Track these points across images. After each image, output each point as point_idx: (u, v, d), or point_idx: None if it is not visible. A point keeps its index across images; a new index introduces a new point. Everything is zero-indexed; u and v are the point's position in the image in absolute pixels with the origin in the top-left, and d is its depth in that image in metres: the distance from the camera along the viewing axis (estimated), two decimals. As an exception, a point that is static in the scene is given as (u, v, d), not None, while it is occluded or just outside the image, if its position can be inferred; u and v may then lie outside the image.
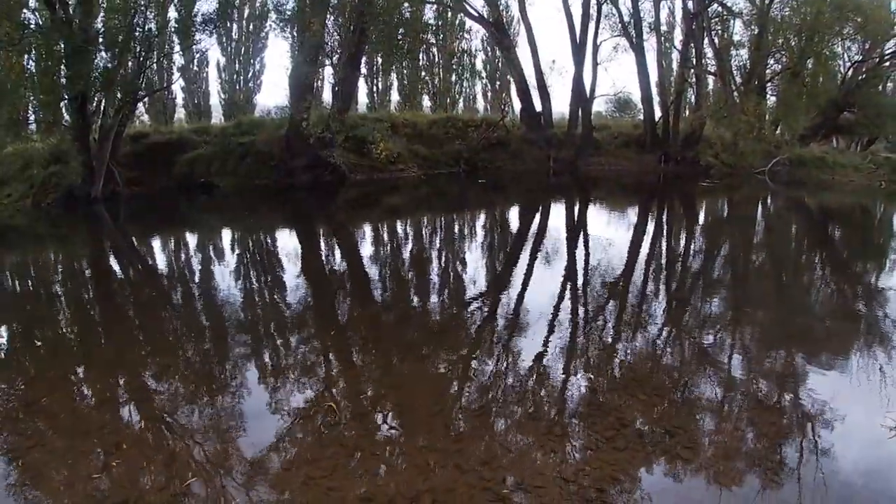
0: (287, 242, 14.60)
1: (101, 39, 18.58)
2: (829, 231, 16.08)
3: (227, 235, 15.22)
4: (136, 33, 18.95)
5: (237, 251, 13.22)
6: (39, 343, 7.56)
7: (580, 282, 9.88)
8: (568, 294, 9.12)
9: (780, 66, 29.23)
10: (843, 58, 30.25)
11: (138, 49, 19.39)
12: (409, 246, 13.60)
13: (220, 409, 5.29)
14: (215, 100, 39.01)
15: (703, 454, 4.45)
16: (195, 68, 38.22)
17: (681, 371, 6.10)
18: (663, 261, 11.69)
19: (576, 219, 17.23)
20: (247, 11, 37.51)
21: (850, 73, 29.25)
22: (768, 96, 30.04)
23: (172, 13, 22.93)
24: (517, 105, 28.99)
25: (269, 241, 14.48)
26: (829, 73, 29.98)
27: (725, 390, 5.55)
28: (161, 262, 12.57)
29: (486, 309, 8.35)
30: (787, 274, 10.99)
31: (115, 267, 12.39)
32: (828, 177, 24.98)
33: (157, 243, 14.49)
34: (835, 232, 16.01)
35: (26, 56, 19.43)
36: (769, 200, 22.06)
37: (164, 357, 6.65)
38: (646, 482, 4.11)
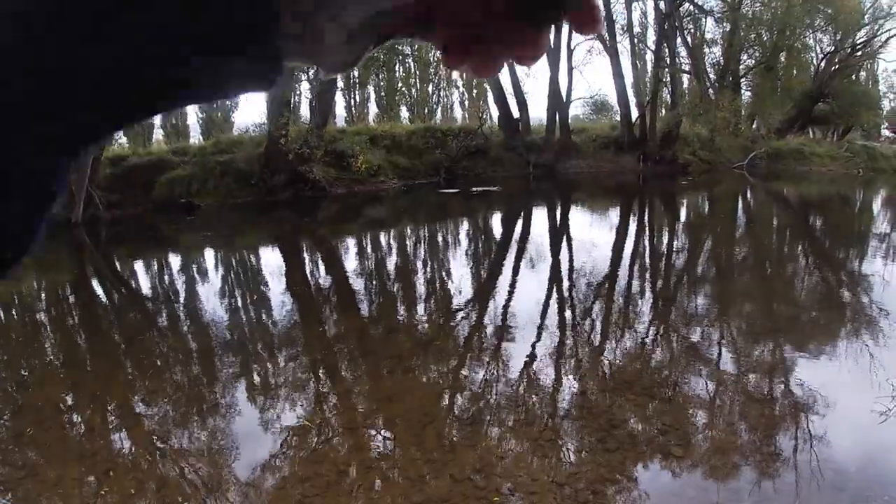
0: (271, 260, 14.55)
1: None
2: (810, 221, 16.20)
3: (209, 255, 15.15)
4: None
5: (221, 271, 13.15)
6: (25, 372, 7.50)
7: (566, 286, 9.90)
8: (554, 299, 9.15)
9: (753, 62, 29.57)
10: (815, 50, 30.67)
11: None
12: (394, 257, 13.59)
13: (210, 431, 5.26)
14: (193, 119, 38.91)
15: (695, 450, 4.47)
16: (171, 88, 38.03)
17: (669, 369, 6.13)
18: (647, 260, 11.76)
19: (558, 223, 17.29)
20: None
21: (822, 64, 29.63)
22: (743, 91, 30.37)
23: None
24: (495, 112, 29.13)
25: (252, 259, 14.42)
26: (802, 65, 30.42)
27: (715, 385, 5.58)
28: (144, 285, 12.49)
29: (473, 317, 8.35)
30: (770, 266, 11.07)
31: (99, 292, 12.31)
32: (805, 168, 25.23)
33: (139, 266, 14.40)
34: (815, 222, 16.14)
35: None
36: (748, 194, 22.22)
37: (151, 381, 6.60)
38: (639, 482, 4.12)
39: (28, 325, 10.03)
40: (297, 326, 8.67)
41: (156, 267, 14.10)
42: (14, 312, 11.08)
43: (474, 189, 22.19)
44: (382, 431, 5.10)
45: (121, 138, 31.13)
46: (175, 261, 14.86)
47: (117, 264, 14.74)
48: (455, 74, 42.00)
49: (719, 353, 6.46)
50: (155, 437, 5.17)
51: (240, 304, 10.22)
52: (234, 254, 14.72)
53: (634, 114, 27.37)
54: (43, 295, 12.44)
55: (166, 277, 13.01)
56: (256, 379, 6.58)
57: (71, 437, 5.43)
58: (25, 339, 9.10)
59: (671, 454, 4.40)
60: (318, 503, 4.05)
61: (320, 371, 6.73)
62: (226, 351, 7.52)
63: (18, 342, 8.95)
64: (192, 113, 38.76)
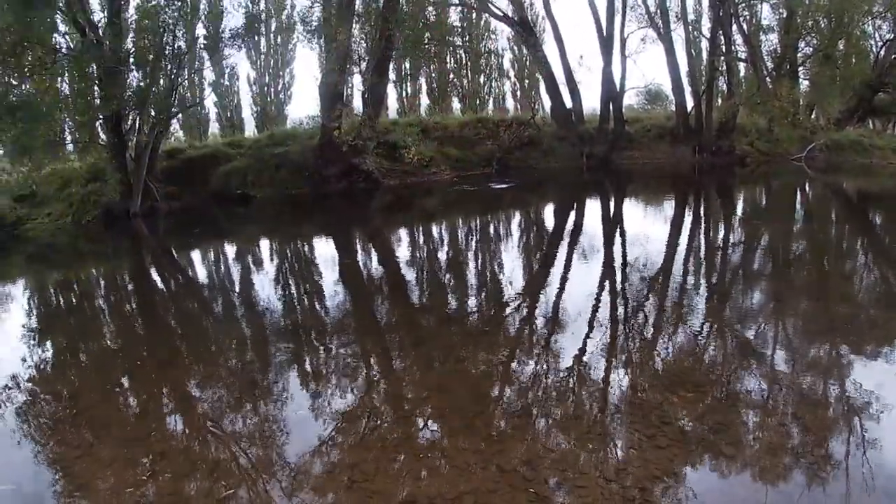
0: (325, 249, 14.71)
1: (132, 59, 18.93)
2: (870, 217, 15.78)
3: (265, 245, 15.38)
4: (167, 52, 19.28)
5: (275, 260, 13.36)
6: (84, 356, 7.73)
7: (619, 278, 9.80)
8: (607, 291, 9.06)
9: (811, 49, 28.82)
10: (874, 37, 29.70)
11: (169, 67, 19.73)
12: (446, 247, 13.63)
13: (262, 415, 5.35)
14: (247, 112, 39.58)
15: (747, 451, 4.39)
16: (226, 83, 38.80)
17: (723, 367, 6.03)
18: (701, 255, 11.57)
19: (612, 215, 17.12)
20: (274, 24, 38.02)
21: (882, 52, 28.65)
22: (801, 80, 29.63)
23: (201, 30, 23.47)
24: (547, 103, 28.96)
25: (307, 249, 14.60)
26: (861, 53, 29.51)
27: (768, 385, 5.46)
28: (201, 273, 12.76)
29: (524, 308, 8.32)
30: (828, 263, 10.80)
31: (157, 279, 12.60)
32: (867, 160, 24.51)
33: (196, 255, 14.69)
34: (875, 218, 15.71)
35: (60, 79, 19.94)
36: (807, 187, 21.67)
37: (206, 366, 6.75)
38: (689, 480, 4.07)
39: (88, 310, 10.33)
40: (349, 315, 8.75)
41: (212, 256, 14.38)
42: (74, 298, 11.42)
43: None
44: (431, 421, 5.12)
45: (178, 131, 31.94)
46: (230, 250, 15.12)
47: (174, 253, 15.06)
48: (506, 64, 41.98)
49: (773, 352, 6.33)
50: (208, 421, 5.28)
51: (293, 292, 10.37)
52: (289, 244, 14.93)
53: (690, 103, 26.86)
54: (102, 282, 12.80)
55: (222, 266, 13.25)
56: (308, 366, 6.67)
57: (126, 419, 5.58)
58: (85, 323, 9.38)
59: (722, 453, 4.34)
60: (366, 488, 4.10)
61: (371, 359, 6.80)
62: (278, 337, 7.64)
63: (78, 327, 9.22)
64: (247, 106, 39.43)
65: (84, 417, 5.56)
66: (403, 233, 15.75)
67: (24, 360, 7.35)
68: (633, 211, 17.98)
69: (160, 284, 12.07)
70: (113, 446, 4.89)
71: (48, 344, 8.44)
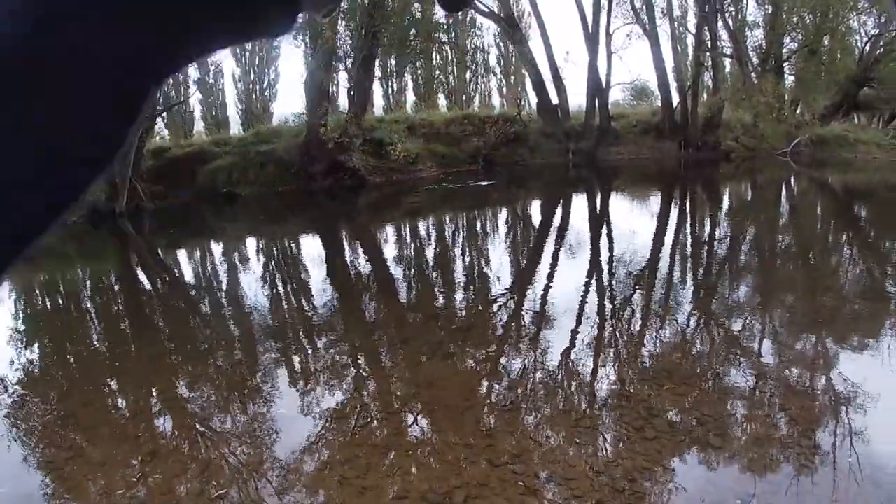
0: (312, 247, 14.69)
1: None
2: (855, 210, 15.91)
3: (251, 243, 15.34)
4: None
5: (262, 258, 13.33)
6: (71, 357, 7.69)
7: (605, 274, 9.85)
8: (593, 287, 9.10)
9: (796, 45, 28.97)
10: (859, 33, 29.91)
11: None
12: (433, 244, 13.63)
13: (252, 414, 5.35)
14: (232, 110, 39.40)
15: (733, 442, 4.43)
16: (211, 80, 38.58)
17: (709, 359, 6.08)
18: (687, 249, 11.64)
19: (598, 211, 17.18)
20: (259, 21, 37.76)
21: (867, 47, 28.87)
22: (786, 76, 29.79)
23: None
24: (533, 99, 29.01)
25: (293, 246, 14.58)
26: (846, 49, 29.71)
27: (754, 377, 5.51)
28: (188, 272, 12.71)
29: (512, 304, 8.35)
30: (813, 256, 10.89)
31: (143, 279, 12.55)
32: (851, 155, 24.67)
33: (182, 254, 14.64)
34: (860, 211, 15.84)
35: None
36: (792, 182, 21.82)
37: (194, 366, 6.73)
38: (676, 471, 4.11)
39: (74, 311, 10.28)
40: (337, 313, 8.75)
41: (198, 254, 14.33)
42: (61, 299, 11.36)
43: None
44: (421, 416, 5.14)
45: (162, 130, 31.74)
46: (216, 248, 15.08)
47: (160, 252, 15.00)
48: (493, 60, 42.07)
49: (760, 344, 6.38)
50: (198, 421, 5.28)
51: (280, 291, 10.35)
52: (275, 242, 14.90)
53: (675, 99, 27.00)
54: (88, 283, 12.74)
55: (208, 264, 13.22)
56: (296, 364, 6.67)
57: (116, 420, 5.57)
58: (72, 325, 9.34)
59: (709, 444, 4.38)
60: (357, 484, 4.11)
61: (359, 357, 6.80)
62: (266, 336, 7.63)
63: (65, 328, 9.18)
64: (232, 104, 39.26)
65: (73, 420, 5.54)
66: (390, 230, 15.76)
67: (11, 362, 7.29)
68: (619, 206, 18.06)
69: (147, 284, 12.03)
70: (103, 448, 4.88)
71: (35, 346, 8.39)
